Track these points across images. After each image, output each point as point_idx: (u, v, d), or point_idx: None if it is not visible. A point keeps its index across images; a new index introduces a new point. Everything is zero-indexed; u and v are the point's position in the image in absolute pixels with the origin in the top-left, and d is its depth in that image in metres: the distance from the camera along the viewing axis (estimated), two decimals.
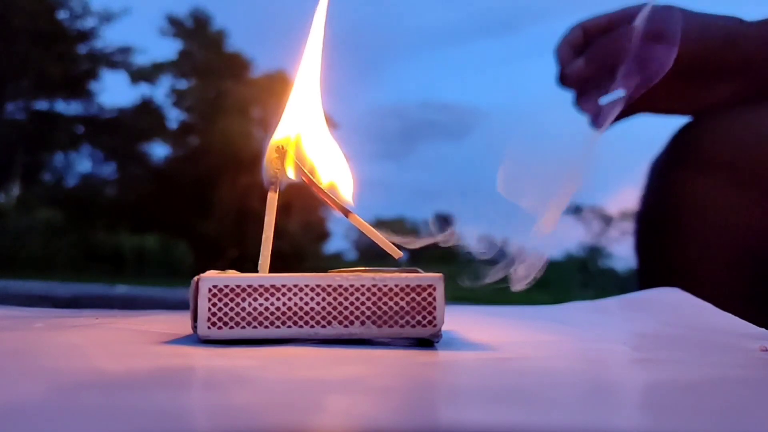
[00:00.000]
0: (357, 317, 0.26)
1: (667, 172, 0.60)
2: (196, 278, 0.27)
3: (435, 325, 0.27)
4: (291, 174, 0.31)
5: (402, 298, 0.27)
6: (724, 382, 0.22)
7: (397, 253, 0.30)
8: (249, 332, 0.26)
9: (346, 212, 0.30)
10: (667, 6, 0.53)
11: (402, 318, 0.27)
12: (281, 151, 0.30)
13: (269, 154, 0.31)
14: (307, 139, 0.32)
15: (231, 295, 0.26)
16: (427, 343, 0.27)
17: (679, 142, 0.60)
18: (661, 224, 0.60)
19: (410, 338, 0.27)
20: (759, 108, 0.55)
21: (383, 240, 0.30)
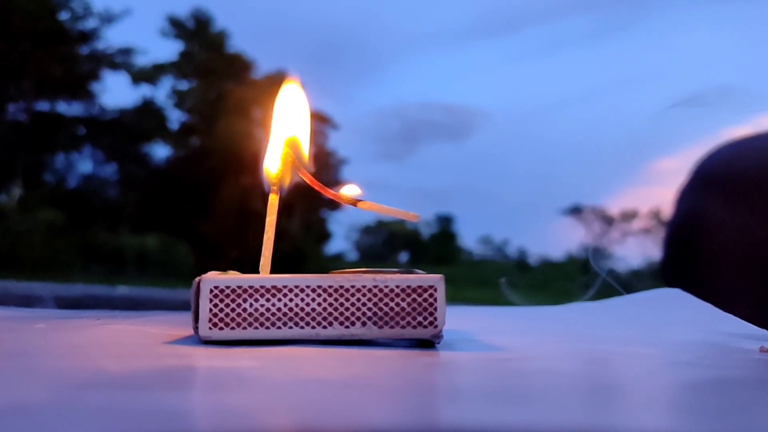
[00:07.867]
0: (358, 318, 0.26)
1: (693, 196, 0.63)
2: (197, 279, 0.27)
3: (436, 326, 0.27)
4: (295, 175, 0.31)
5: (403, 299, 0.27)
6: (724, 382, 0.22)
7: (415, 217, 0.31)
8: (250, 333, 0.26)
9: (354, 202, 0.30)
10: None
11: (403, 319, 0.27)
12: (290, 158, 0.31)
13: (267, 160, 0.31)
14: (303, 138, 0.32)
15: (232, 296, 0.26)
16: (428, 343, 0.27)
17: (704, 168, 0.63)
18: (686, 244, 0.63)
19: (411, 339, 0.27)
20: None
21: (399, 212, 0.31)
